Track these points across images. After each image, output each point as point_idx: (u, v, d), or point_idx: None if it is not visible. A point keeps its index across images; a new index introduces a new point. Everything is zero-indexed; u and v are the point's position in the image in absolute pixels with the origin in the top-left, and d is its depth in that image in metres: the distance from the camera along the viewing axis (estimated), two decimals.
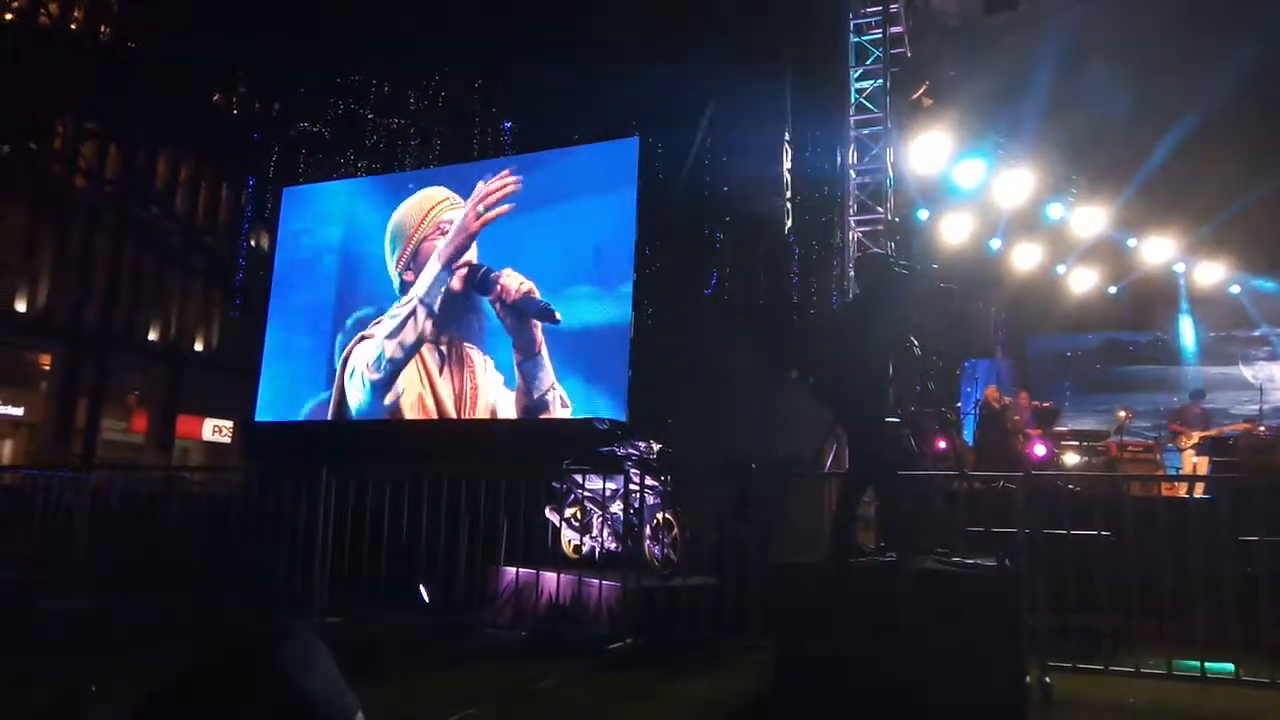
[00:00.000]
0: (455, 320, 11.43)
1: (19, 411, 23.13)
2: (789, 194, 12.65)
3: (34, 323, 22.54)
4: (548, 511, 8.02)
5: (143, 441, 25.20)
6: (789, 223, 12.65)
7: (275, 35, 18.39)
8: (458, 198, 11.71)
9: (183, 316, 26.28)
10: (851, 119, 11.92)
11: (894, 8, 11.94)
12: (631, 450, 7.88)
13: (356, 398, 11.77)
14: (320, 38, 17.41)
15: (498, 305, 11.01)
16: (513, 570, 7.55)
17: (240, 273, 22.97)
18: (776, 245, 12.67)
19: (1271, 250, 14.99)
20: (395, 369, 11.60)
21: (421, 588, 7.55)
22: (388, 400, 11.52)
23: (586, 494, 7.96)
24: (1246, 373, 16.05)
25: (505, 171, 11.51)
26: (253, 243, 24.02)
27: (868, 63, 12.03)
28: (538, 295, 10.80)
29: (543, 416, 10.48)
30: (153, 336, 25.43)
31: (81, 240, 22.87)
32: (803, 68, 12.67)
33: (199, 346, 26.80)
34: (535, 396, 10.56)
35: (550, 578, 7.26)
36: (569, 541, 8.14)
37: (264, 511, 7.68)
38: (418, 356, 11.42)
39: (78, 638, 6.76)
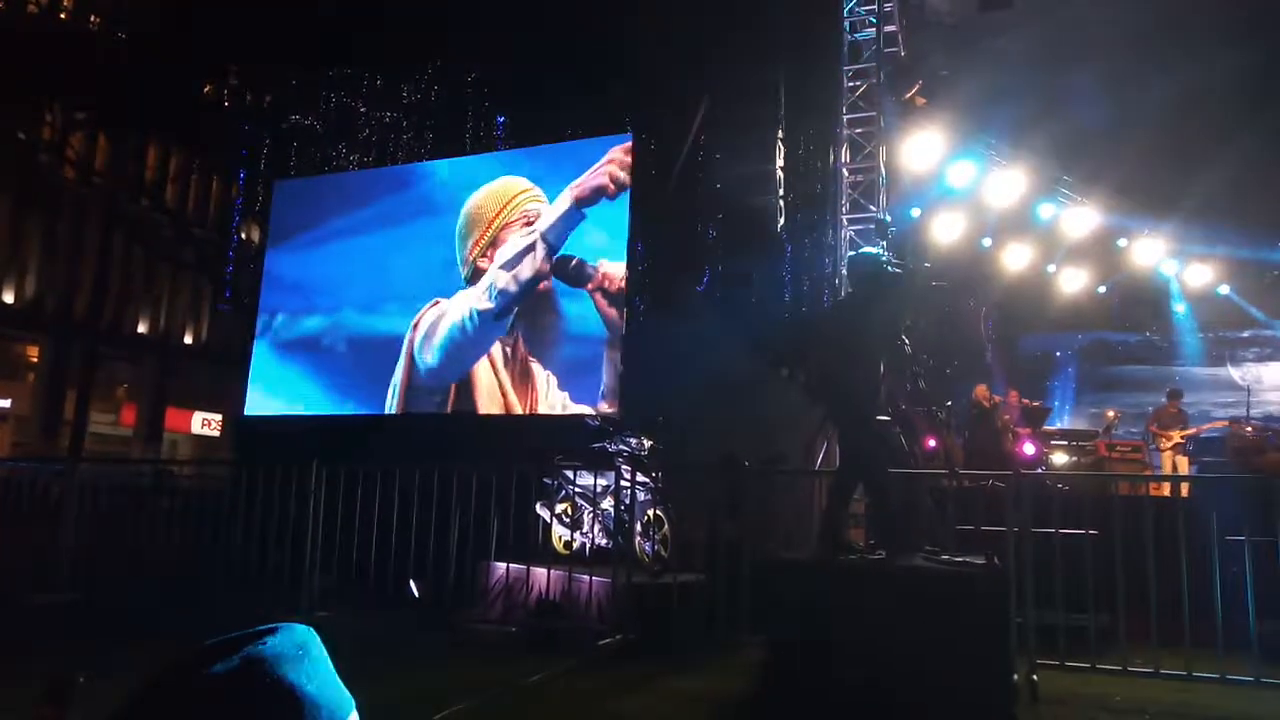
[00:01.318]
0: (527, 317, 10.85)
1: (6, 403, 22.99)
2: (781, 191, 12.67)
3: (22, 314, 22.39)
4: (538, 507, 8.01)
5: (131, 434, 25.08)
6: (781, 220, 12.67)
7: (267, 26, 18.28)
8: (540, 190, 11.07)
9: (172, 309, 26.14)
10: (844, 117, 11.94)
11: (888, 6, 11.97)
12: (622, 446, 7.88)
13: (427, 363, 11.16)
14: (312, 29, 17.32)
15: (598, 295, 10.28)
16: (503, 566, 7.55)
17: (230, 266, 22.86)
18: (769, 242, 12.68)
19: (1261, 246, 15.07)
20: (505, 303, 10.88)
21: (411, 583, 7.54)
22: (455, 374, 10.99)
23: (577, 490, 7.97)
24: (1234, 374, 16.16)
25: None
26: (243, 236, 23.90)
27: (861, 61, 12.05)
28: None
29: (539, 413, 10.36)
30: (142, 329, 25.29)
31: (70, 232, 22.73)
32: (796, 65, 12.68)
33: (188, 339, 26.68)
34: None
35: (540, 573, 7.26)
36: (559, 537, 8.15)
37: (253, 505, 7.66)
38: (487, 356, 11.01)
39: (66, 631, 6.73)
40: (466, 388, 11.02)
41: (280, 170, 16.66)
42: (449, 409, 11.07)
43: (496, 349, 10.90)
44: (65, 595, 7.71)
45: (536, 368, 10.60)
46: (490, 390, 10.87)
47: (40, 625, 6.98)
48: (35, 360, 23.54)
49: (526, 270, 10.92)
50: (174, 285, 25.99)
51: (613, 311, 10.22)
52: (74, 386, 21.54)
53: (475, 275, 11.26)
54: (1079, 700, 5.20)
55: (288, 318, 12.43)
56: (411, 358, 11.39)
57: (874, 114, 11.81)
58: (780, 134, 12.71)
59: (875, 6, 11.85)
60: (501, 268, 11.04)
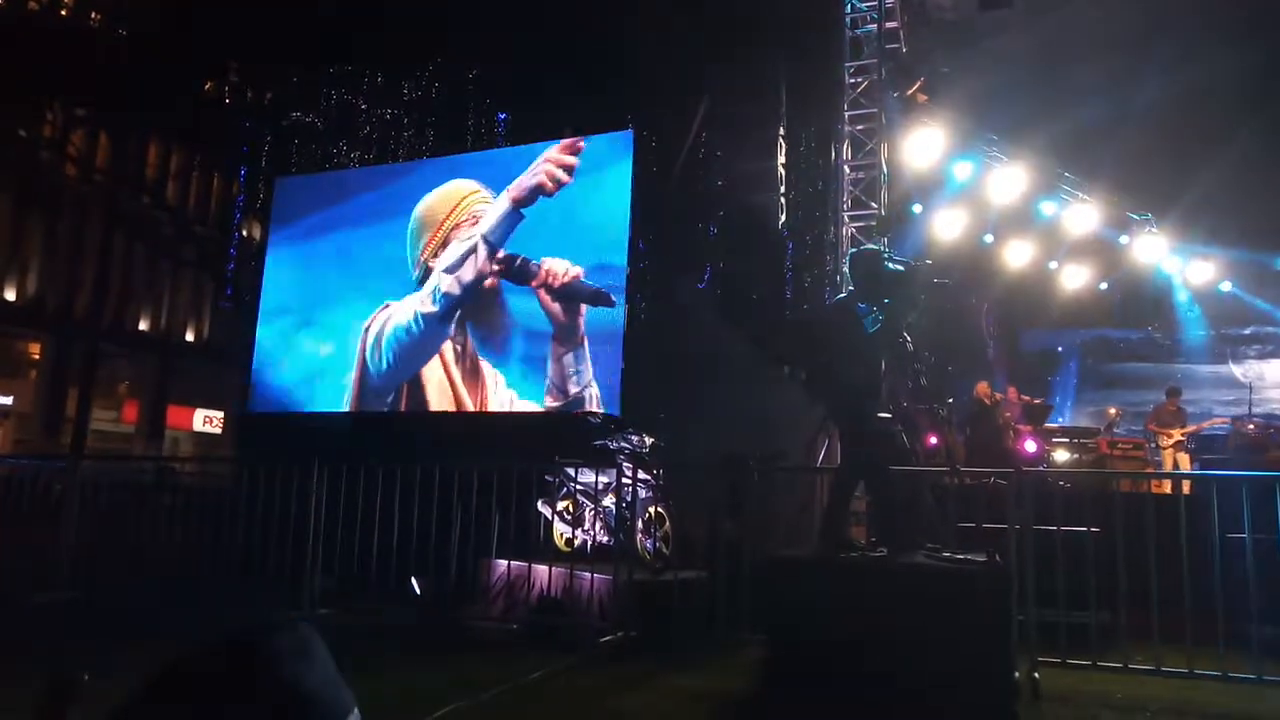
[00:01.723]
0: (472, 318, 11.09)
1: (8, 400, 23.03)
2: (783, 188, 12.65)
3: (24, 311, 22.43)
4: (540, 505, 8.02)
5: (133, 431, 25.11)
6: (782, 217, 12.66)
7: (268, 23, 18.27)
8: (489, 191, 11.34)
9: (174, 306, 26.17)
10: (846, 114, 11.91)
11: (889, 3, 11.94)
12: (624, 444, 7.88)
13: (378, 364, 11.42)
14: (313, 26, 17.31)
15: (542, 292, 10.53)
16: (504, 563, 7.56)
17: (231, 263, 22.85)
18: (770, 239, 12.67)
19: (1260, 245, 15.04)
20: (449, 305, 11.10)
21: (413, 580, 7.55)
22: (405, 374, 11.26)
23: (579, 487, 7.97)
24: (1236, 371, 16.15)
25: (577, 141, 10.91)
26: (244, 233, 23.90)
27: (862, 57, 12.03)
28: (585, 278, 10.40)
29: (518, 408, 10.40)
30: (143, 326, 25.32)
31: (71, 229, 22.75)
32: (797, 62, 12.66)
33: (190, 337, 26.70)
34: (573, 391, 10.16)
35: (542, 571, 7.26)
36: (561, 535, 8.15)
37: (255, 502, 7.66)
38: (439, 354, 11.21)
39: (66, 629, 6.74)
40: (417, 386, 11.26)
41: (281, 167, 16.65)
42: (402, 407, 11.31)
43: (448, 347, 11.14)
44: (66, 593, 7.72)
45: (485, 365, 10.85)
46: (441, 387, 11.09)
47: (41, 623, 6.99)
48: (37, 357, 23.58)
49: (469, 272, 11.14)
50: (175, 282, 26.03)
51: (556, 307, 10.48)
52: (75, 384, 21.56)
53: (426, 276, 11.46)
54: (1080, 698, 5.20)
55: (289, 314, 12.44)
56: (364, 360, 11.61)
57: (875, 111, 11.79)
58: (781, 131, 12.69)
59: (877, 3, 11.82)
60: (445, 270, 11.27)
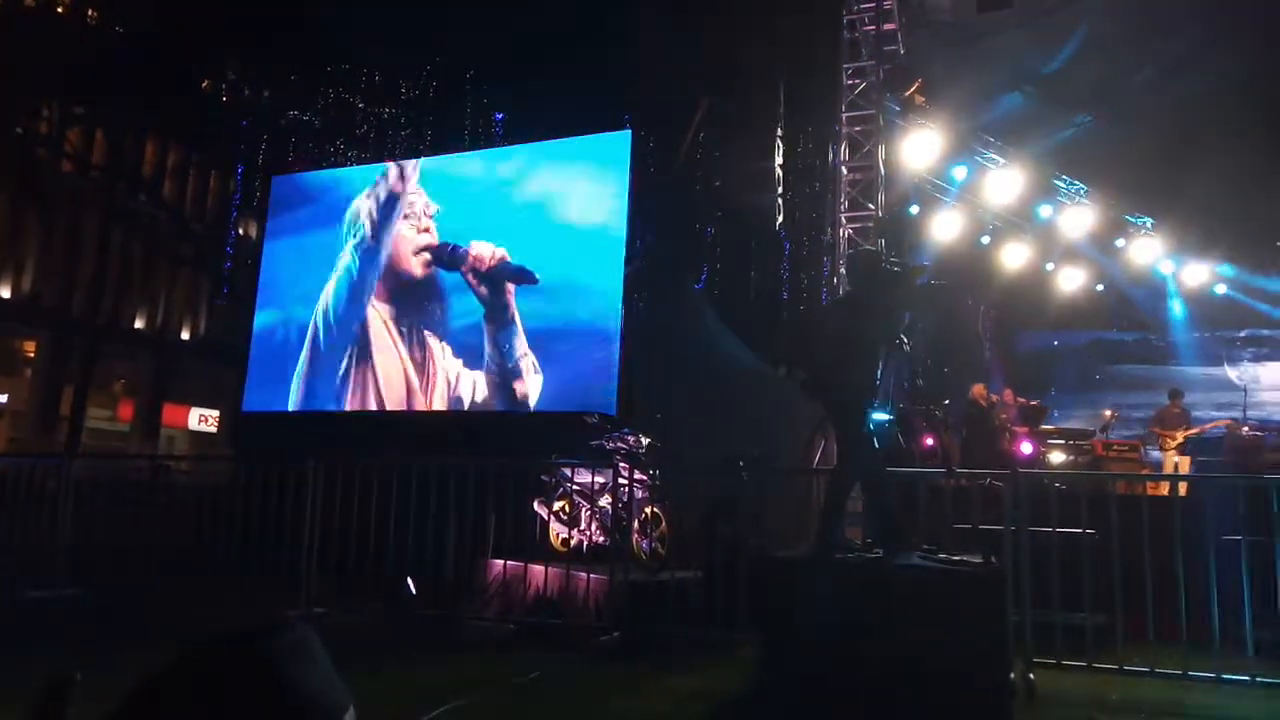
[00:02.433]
0: (415, 308, 11.54)
1: (3, 398, 22.98)
2: (780, 189, 12.66)
3: (19, 309, 22.37)
4: (536, 504, 8.01)
5: (129, 430, 25.06)
6: (780, 218, 12.66)
7: (265, 21, 18.26)
8: (415, 185, 11.86)
9: (170, 304, 26.12)
10: (844, 115, 11.93)
11: (887, 5, 11.95)
12: (620, 444, 7.87)
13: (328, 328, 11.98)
14: (311, 25, 17.29)
15: (470, 275, 11.10)
16: (500, 563, 7.55)
17: (228, 261, 22.83)
18: (767, 240, 12.68)
19: (1261, 250, 15.08)
20: (366, 235, 11.85)
21: (409, 579, 7.54)
22: (349, 374, 11.67)
23: (575, 487, 7.96)
24: (1231, 373, 16.19)
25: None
26: (241, 231, 23.87)
27: (860, 59, 12.04)
28: (510, 259, 10.91)
29: (464, 385, 10.71)
30: (139, 324, 25.26)
31: (68, 227, 22.69)
32: (796, 63, 12.66)
33: (186, 335, 26.65)
34: (509, 365, 10.68)
35: (538, 570, 7.26)
36: (557, 534, 8.14)
37: (251, 501, 7.65)
38: (387, 346, 11.60)
39: (61, 626, 6.72)
40: (366, 375, 11.61)
41: (278, 165, 16.63)
42: (350, 384, 11.64)
43: (393, 331, 11.56)
44: (61, 591, 7.70)
45: (433, 346, 11.31)
46: (388, 375, 11.50)
47: (36, 621, 6.97)
48: (32, 355, 23.52)
49: (382, 191, 11.99)
50: (172, 280, 25.96)
51: (484, 290, 11.01)
52: (71, 382, 21.52)
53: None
54: (1075, 699, 5.21)
55: (285, 313, 12.42)
56: (315, 333, 12.07)
57: (873, 112, 11.80)
58: (779, 132, 12.70)
59: (875, 5, 11.84)
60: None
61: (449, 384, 11.09)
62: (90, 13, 22.86)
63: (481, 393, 10.86)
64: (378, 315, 11.68)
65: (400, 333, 11.48)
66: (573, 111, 12.28)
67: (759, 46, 12.38)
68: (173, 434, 26.31)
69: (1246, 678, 5.22)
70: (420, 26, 15.80)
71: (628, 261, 10.35)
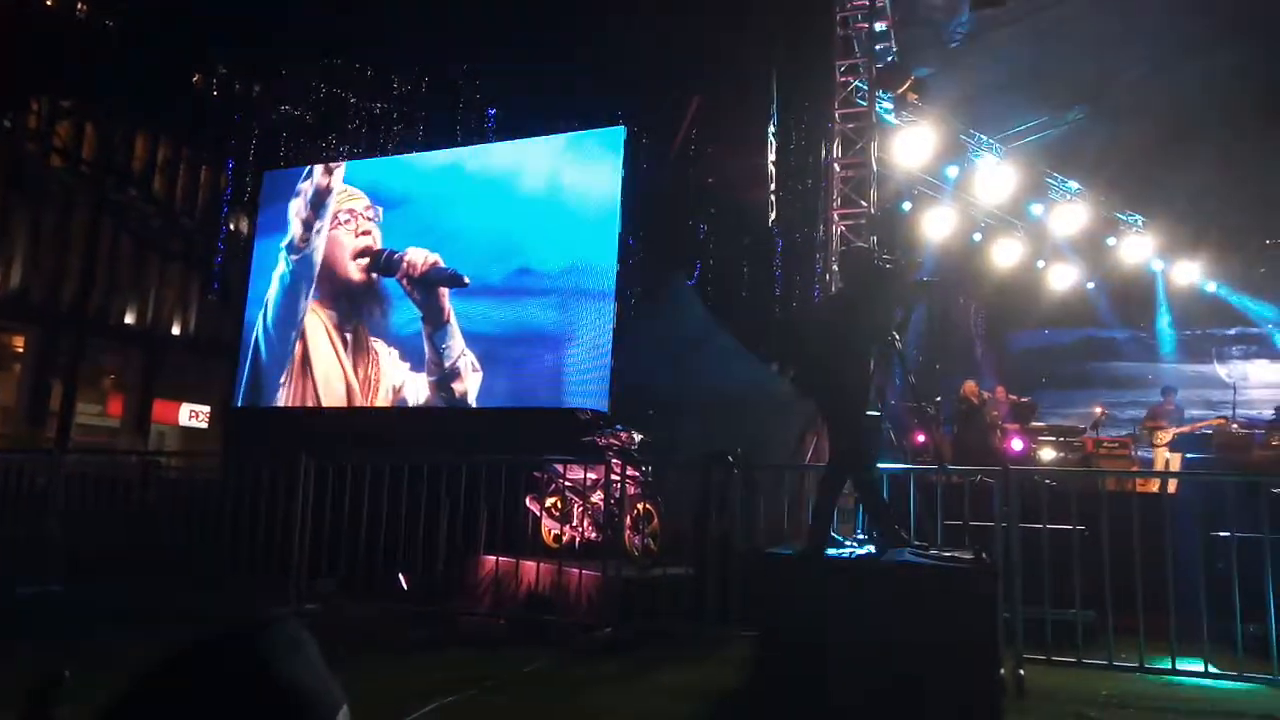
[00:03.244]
0: (357, 312, 11.74)
1: None
2: (773, 186, 12.66)
3: (8, 304, 22.21)
4: (528, 501, 8.01)
5: (118, 425, 24.92)
6: (773, 215, 12.66)
7: (257, 15, 18.14)
8: (355, 190, 12.02)
9: (160, 300, 25.96)
10: (837, 112, 11.93)
11: (880, 2, 11.95)
12: (613, 440, 7.87)
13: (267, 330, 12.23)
14: (303, 19, 17.21)
15: (405, 281, 11.41)
16: (492, 559, 7.54)
17: (219, 256, 22.72)
18: (760, 237, 12.69)
19: (1247, 250, 15.16)
20: (297, 237, 12.11)
21: (400, 575, 7.52)
22: (290, 380, 11.89)
23: (567, 483, 7.96)
24: (1221, 371, 16.27)
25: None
26: (231, 226, 23.75)
27: (853, 56, 12.04)
28: (443, 264, 11.21)
29: (409, 388, 10.87)
30: (129, 320, 25.12)
31: (57, 221, 22.54)
32: (789, 60, 12.67)
33: (176, 330, 26.50)
34: (447, 365, 10.95)
35: (530, 566, 7.25)
36: (549, 530, 8.14)
37: (242, 497, 7.62)
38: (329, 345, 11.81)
39: (51, 622, 6.69)
40: (306, 383, 11.87)
41: (269, 160, 16.56)
42: (289, 398, 11.87)
43: (335, 336, 11.83)
44: (51, 586, 7.66)
45: (379, 350, 11.61)
46: (328, 381, 11.77)
47: (26, 616, 6.94)
48: (21, 350, 23.36)
49: (309, 188, 12.37)
50: (162, 276, 25.80)
51: (416, 295, 11.38)
52: (60, 377, 21.38)
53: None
54: (1065, 695, 5.23)
55: (276, 309, 12.38)
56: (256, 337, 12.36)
57: (866, 109, 11.81)
58: (772, 129, 12.69)
59: (868, 2, 11.83)
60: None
61: (394, 390, 11.33)
62: (80, 6, 22.69)
63: (424, 394, 11.09)
64: (319, 321, 11.86)
65: (343, 339, 11.69)
66: (565, 107, 12.28)
67: (752, 44, 12.38)
68: (163, 430, 26.16)
69: (1234, 673, 5.26)
70: (412, 22, 15.74)
71: (620, 258, 10.34)
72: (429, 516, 7.14)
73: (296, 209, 12.26)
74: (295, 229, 12.21)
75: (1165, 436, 11.65)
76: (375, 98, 16.61)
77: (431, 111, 15.82)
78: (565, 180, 10.91)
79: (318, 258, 11.97)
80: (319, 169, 12.39)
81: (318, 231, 12.02)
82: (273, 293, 12.24)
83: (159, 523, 8.50)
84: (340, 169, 12.31)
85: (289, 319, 12.01)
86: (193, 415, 26.82)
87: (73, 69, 20.31)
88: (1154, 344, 16.98)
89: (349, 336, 11.64)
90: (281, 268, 12.22)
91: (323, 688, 0.83)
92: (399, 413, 11.22)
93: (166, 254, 25.18)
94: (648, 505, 7.74)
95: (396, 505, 7.21)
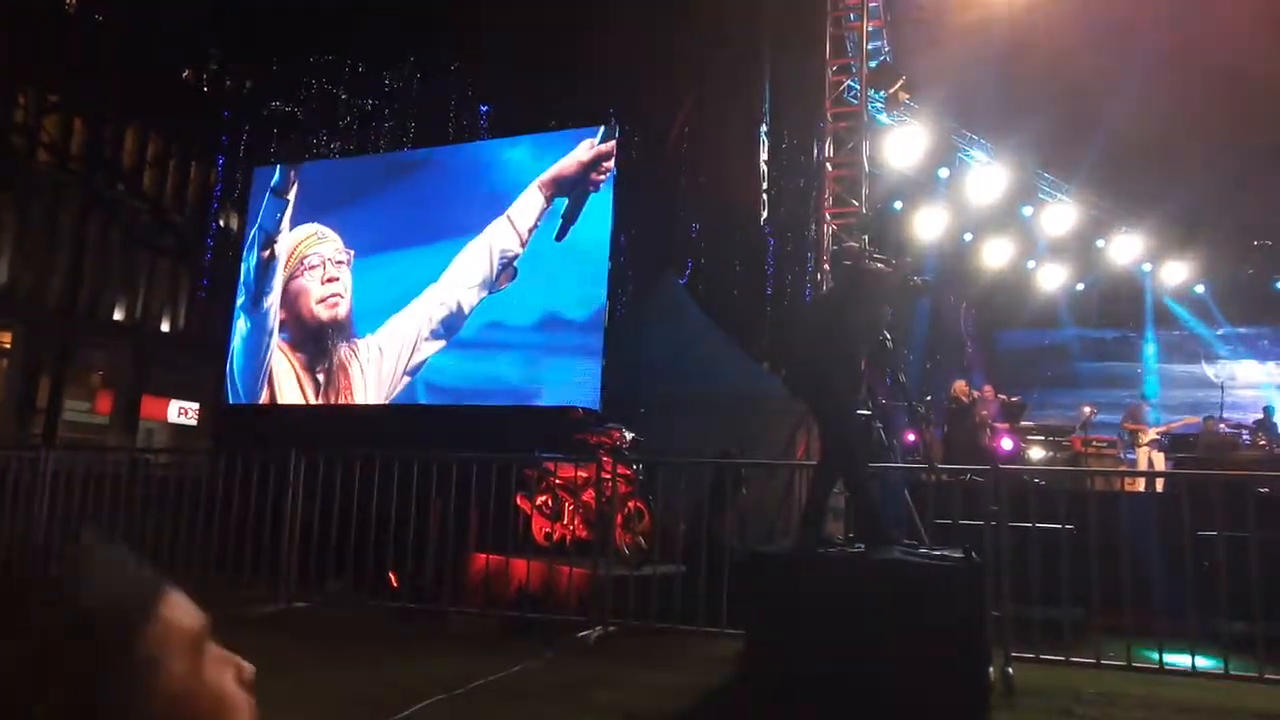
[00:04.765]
0: (324, 352, 11.91)
1: None
2: (765, 185, 12.68)
3: None
4: (518, 499, 8.00)
5: (107, 422, 24.78)
6: (764, 214, 12.68)
7: (247, 12, 18.07)
8: (327, 230, 11.99)
9: (149, 296, 25.82)
10: (828, 112, 11.95)
11: (872, 3, 11.97)
12: (604, 438, 7.87)
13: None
14: (294, 16, 17.14)
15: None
16: (483, 556, 7.53)
17: (209, 253, 22.61)
18: (752, 236, 12.70)
19: (1236, 250, 15.24)
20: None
21: (390, 573, 7.51)
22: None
23: (558, 481, 7.95)
24: (1209, 371, 16.37)
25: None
26: (221, 223, 23.64)
27: (845, 56, 12.06)
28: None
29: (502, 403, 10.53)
30: (118, 316, 24.98)
31: (45, 217, 22.38)
32: (781, 60, 12.68)
33: (165, 327, 26.37)
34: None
35: (520, 564, 7.25)
36: (540, 529, 8.14)
37: (231, 494, 7.59)
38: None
39: None
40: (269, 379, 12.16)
41: (259, 157, 16.49)
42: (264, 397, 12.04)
43: (305, 380, 12.04)
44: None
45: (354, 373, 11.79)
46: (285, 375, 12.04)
47: None
48: (8, 346, 23.19)
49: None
50: (151, 272, 25.66)
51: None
52: (48, 374, 21.26)
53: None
54: (1053, 692, 5.26)
55: (266, 306, 12.34)
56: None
57: (857, 108, 11.83)
58: (764, 128, 12.71)
59: (860, 2, 11.86)
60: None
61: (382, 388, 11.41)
62: (69, 0, 22.54)
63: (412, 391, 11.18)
64: (286, 363, 11.98)
65: (315, 381, 11.78)
66: (557, 106, 12.26)
67: (744, 43, 12.39)
68: (151, 427, 26.03)
69: (1221, 670, 5.29)
70: (404, 19, 15.69)
71: (612, 256, 10.34)
72: (419, 514, 7.13)
73: (245, 275, 12.36)
74: (249, 292, 12.30)
75: (1146, 436, 11.74)
76: (366, 95, 16.55)
77: (422, 109, 15.78)
78: (557, 180, 10.90)
79: (277, 314, 12.08)
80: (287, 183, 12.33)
81: (271, 290, 12.12)
82: (240, 325, 12.36)
83: (147, 519, 8.45)
84: (295, 179, 12.32)
85: (256, 350, 12.24)
86: (182, 412, 26.68)
87: (61, 63, 20.18)
88: (1143, 344, 17.08)
89: (320, 379, 11.73)
90: (241, 298, 12.37)
91: (129, 597, 0.73)
92: (391, 410, 11.20)
93: (156, 250, 25.03)
94: (639, 504, 7.74)
95: (387, 502, 7.19)
